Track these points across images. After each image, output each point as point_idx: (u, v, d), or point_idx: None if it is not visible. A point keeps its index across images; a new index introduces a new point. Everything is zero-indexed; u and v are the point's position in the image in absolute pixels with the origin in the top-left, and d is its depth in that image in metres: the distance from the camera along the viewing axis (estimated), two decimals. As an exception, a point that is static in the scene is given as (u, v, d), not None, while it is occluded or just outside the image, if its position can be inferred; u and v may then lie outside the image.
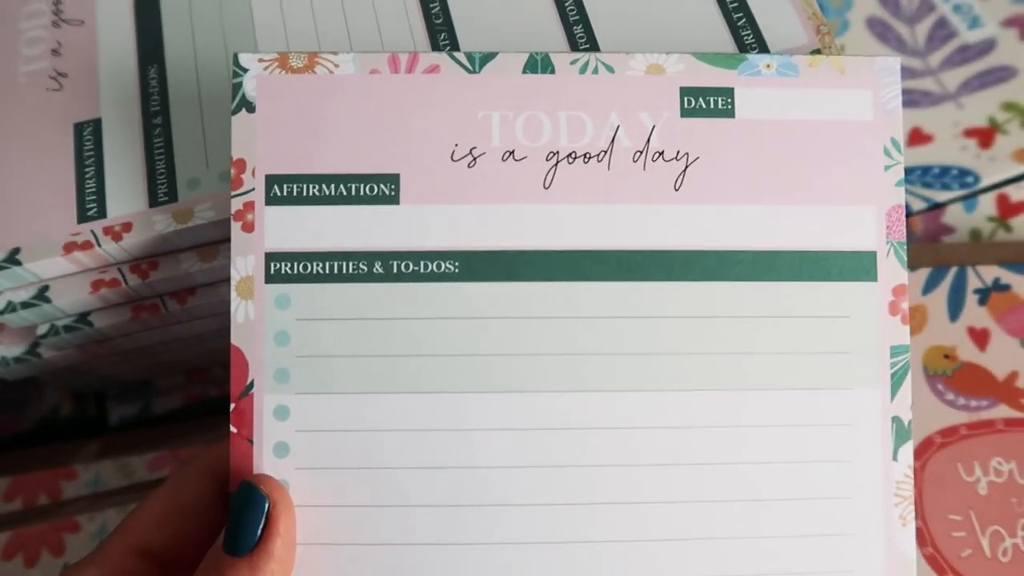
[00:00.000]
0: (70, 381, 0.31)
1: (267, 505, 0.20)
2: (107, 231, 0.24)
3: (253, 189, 0.22)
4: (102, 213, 0.25)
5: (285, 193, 0.22)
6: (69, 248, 0.24)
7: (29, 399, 0.32)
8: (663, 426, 0.22)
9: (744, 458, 0.22)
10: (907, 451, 0.22)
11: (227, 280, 0.26)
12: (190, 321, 0.28)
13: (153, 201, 0.24)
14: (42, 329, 0.27)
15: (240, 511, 0.20)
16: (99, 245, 0.24)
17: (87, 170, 0.25)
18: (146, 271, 0.26)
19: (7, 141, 0.25)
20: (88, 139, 0.25)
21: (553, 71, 0.22)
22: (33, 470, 0.27)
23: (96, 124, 0.25)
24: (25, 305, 0.26)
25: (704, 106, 0.23)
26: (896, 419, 0.22)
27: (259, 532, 0.20)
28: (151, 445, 0.29)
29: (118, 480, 0.27)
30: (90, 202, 0.25)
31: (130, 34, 0.26)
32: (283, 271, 0.22)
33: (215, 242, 0.25)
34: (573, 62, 0.22)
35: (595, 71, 0.22)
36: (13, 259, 0.24)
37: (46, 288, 0.26)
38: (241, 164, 0.22)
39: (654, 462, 0.22)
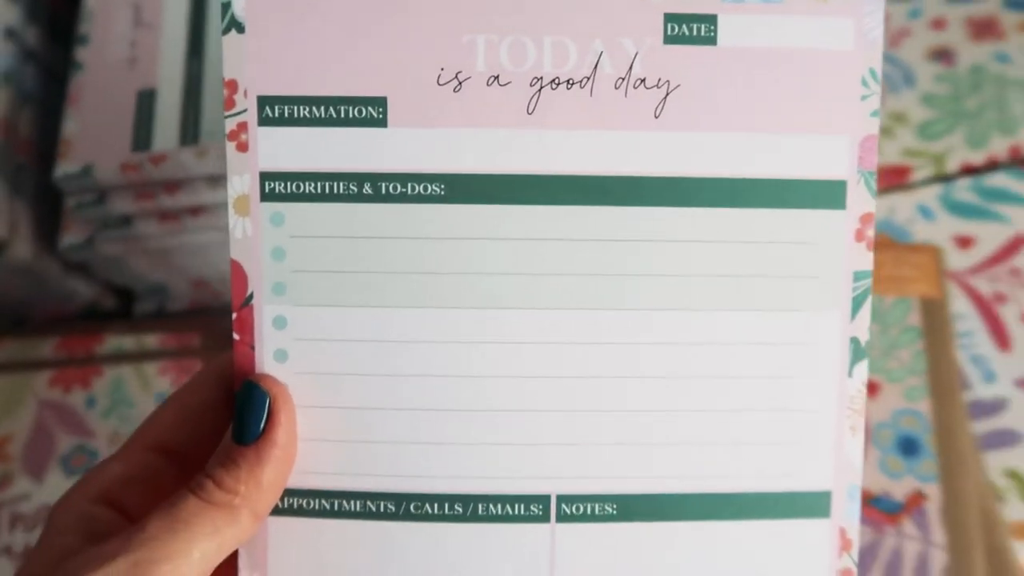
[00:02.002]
0: (111, 273, 0.40)
1: (268, 400, 0.22)
2: (150, 159, 0.35)
3: (246, 110, 0.23)
4: (147, 146, 0.35)
5: (277, 114, 0.23)
6: (124, 168, 0.35)
7: (77, 291, 0.41)
8: (634, 342, 0.23)
9: (711, 372, 0.24)
10: (862, 369, 0.24)
11: (219, 205, 0.37)
12: (198, 232, 0.37)
13: (183, 142, 0.35)
14: (98, 224, 0.37)
15: (244, 405, 0.22)
16: (143, 168, 0.35)
17: (142, 119, 0.36)
18: (173, 190, 0.36)
19: (98, 99, 0.37)
20: (145, 101, 0.36)
21: (539, -6, 0.23)
22: (75, 335, 0.39)
23: (152, 92, 0.37)
24: (90, 205, 0.36)
25: (687, 33, 0.23)
26: (854, 339, 0.24)
27: (262, 423, 0.22)
28: (160, 329, 0.40)
29: (133, 348, 0.39)
30: (142, 139, 0.36)
31: (184, 33, 0.37)
32: (277, 190, 0.23)
33: (221, 176, 0.35)
34: (559, -15, 0.23)
35: (581, -5, 0.23)
36: (87, 172, 0.35)
37: (105, 195, 0.36)
38: (233, 85, 0.23)
39: (628, 374, 0.23)
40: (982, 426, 0.35)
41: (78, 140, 0.36)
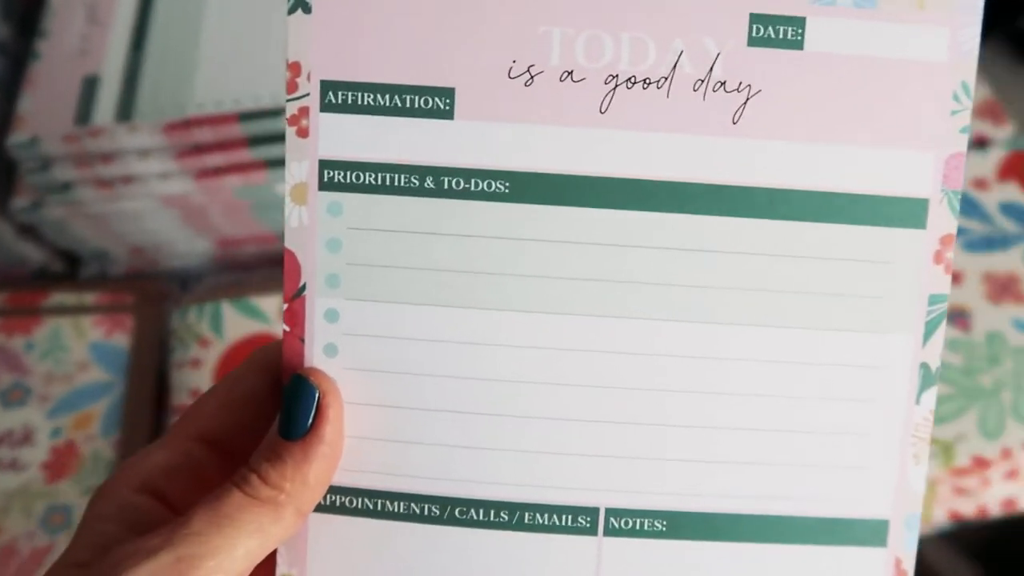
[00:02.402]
0: (57, 237, 0.46)
1: (317, 395, 0.21)
2: (89, 132, 0.41)
3: (308, 94, 0.22)
4: (87, 122, 0.41)
5: (340, 100, 0.22)
6: (66, 139, 0.41)
7: (29, 255, 0.47)
8: (699, 356, 0.22)
9: (775, 391, 0.23)
10: (930, 396, 0.23)
11: (155, 174, 0.42)
12: (131, 199, 0.44)
13: (118, 120, 0.41)
14: (43, 189, 0.43)
15: (293, 400, 0.21)
16: (82, 140, 0.41)
17: (85, 100, 0.42)
18: (108, 160, 0.42)
19: (50, 83, 0.43)
20: (89, 86, 0.43)
21: (620, -13, 0.22)
22: (23, 291, 0.45)
23: (96, 78, 0.43)
24: (36, 171, 0.42)
25: (773, 35, 0.22)
26: (924, 365, 0.23)
27: (311, 419, 0.21)
28: (99, 289, 0.45)
29: (73, 303, 0.44)
30: (82, 116, 0.41)
31: (129, 30, 0.44)
32: (336, 179, 0.22)
33: (150, 149, 0.41)
34: (641, -21, 0.22)
35: (663, -10, 0.22)
36: (34, 142, 0.41)
37: (49, 163, 0.41)
38: (296, 68, 0.22)
39: (687, 389, 0.23)
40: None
41: (29, 116, 0.42)
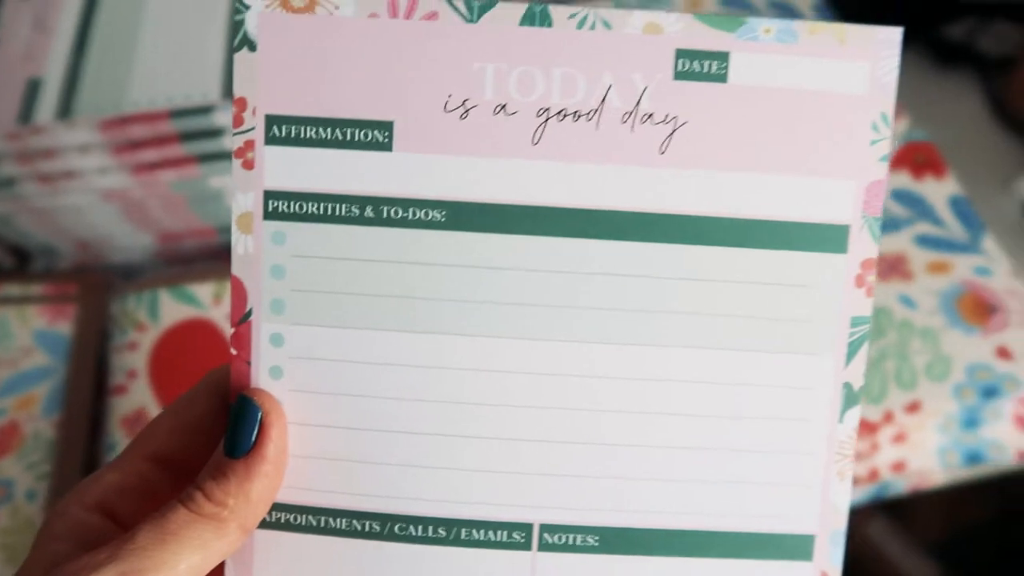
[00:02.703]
0: (5, 231, 0.48)
1: (260, 414, 0.22)
2: (31, 130, 0.43)
3: (253, 128, 0.23)
4: (28, 120, 0.43)
5: (284, 134, 0.23)
6: (9, 137, 0.43)
7: None
8: (624, 377, 0.23)
9: (701, 410, 0.24)
10: (854, 415, 0.24)
11: (94, 169, 0.44)
12: (73, 194, 0.46)
13: (58, 117, 0.43)
14: None
15: (237, 419, 0.22)
16: (24, 137, 0.43)
17: (28, 100, 0.44)
18: (49, 156, 0.44)
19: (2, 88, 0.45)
20: (32, 87, 0.45)
21: (551, 24, 0.23)
22: None
23: (38, 80, 0.45)
24: None
25: (698, 69, 0.23)
26: (847, 385, 0.24)
27: (254, 437, 0.22)
28: (45, 280, 0.47)
29: (18, 294, 0.47)
30: (24, 115, 0.43)
31: (71, 36, 0.46)
32: (280, 209, 0.23)
33: (88, 145, 0.43)
34: (571, 16, 0.23)
35: (592, 27, 0.23)
36: None
37: None
38: (242, 103, 0.23)
39: (619, 409, 0.24)
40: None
41: None
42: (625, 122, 0.23)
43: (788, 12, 0.56)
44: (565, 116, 0.23)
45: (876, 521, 0.55)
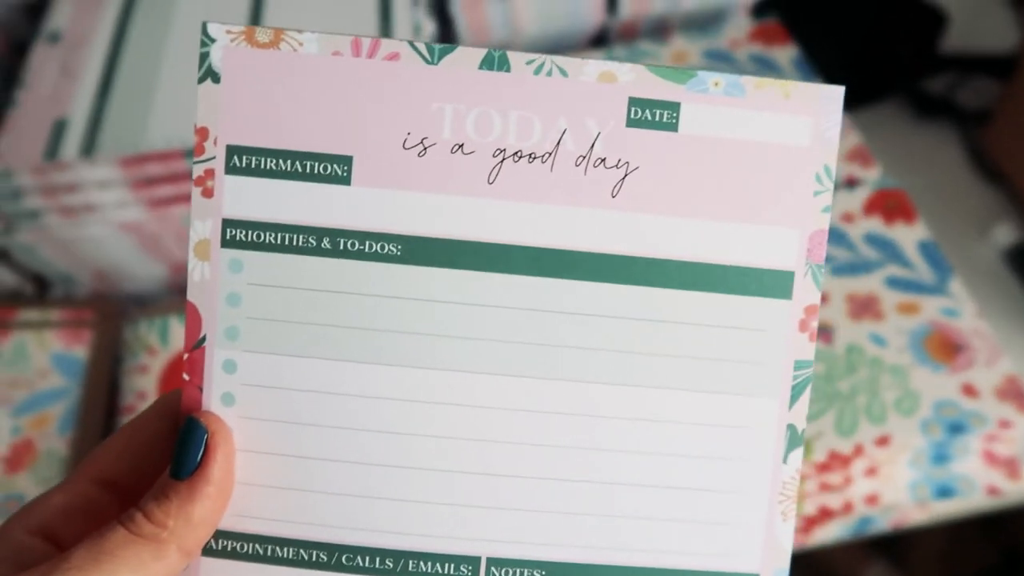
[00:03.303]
0: (28, 260, 0.51)
1: (206, 436, 0.22)
2: (55, 166, 0.47)
3: (214, 158, 0.23)
4: (54, 157, 0.47)
5: (244, 164, 0.23)
6: (35, 172, 0.47)
7: (3, 280, 0.53)
8: (572, 412, 0.24)
9: (647, 447, 0.24)
10: (796, 456, 0.24)
11: (113, 203, 0.48)
12: (93, 226, 0.50)
13: (82, 154, 0.47)
14: (15, 216, 0.48)
15: (183, 440, 0.23)
16: (49, 173, 0.47)
17: (54, 139, 0.48)
18: (72, 190, 0.48)
19: (24, 125, 0.49)
20: (58, 127, 0.49)
21: (509, 69, 0.23)
22: None
23: (64, 121, 0.49)
24: (8, 199, 0.48)
25: (649, 118, 0.24)
26: (791, 426, 0.24)
27: (199, 459, 0.22)
28: (63, 306, 0.52)
29: (38, 319, 0.50)
30: (50, 152, 0.47)
31: (96, 81, 0.51)
32: (238, 238, 0.23)
33: (108, 181, 0.48)
34: (529, 62, 0.23)
35: (549, 73, 0.23)
36: (6, 174, 0.47)
37: (20, 192, 0.48)
38: (204, 132, 0.23)
39: (566, 444, 0.24)
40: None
41: (5, 152, 0.48)
42: (579, 165, 0.24)
43: (769, 67, 0.58)
44: (521, 157, 0.23)
45: (875, 565, 0.55)
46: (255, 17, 0.54)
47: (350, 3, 0.54)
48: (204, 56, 0.23)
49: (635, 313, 0.24)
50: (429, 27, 0.56)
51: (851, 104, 0.55)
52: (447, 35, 0.60)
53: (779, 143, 0.24)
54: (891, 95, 0.67)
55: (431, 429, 0.24)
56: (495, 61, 0.23)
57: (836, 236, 0.50)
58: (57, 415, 0.47)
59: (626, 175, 0.24)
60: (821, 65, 0.58)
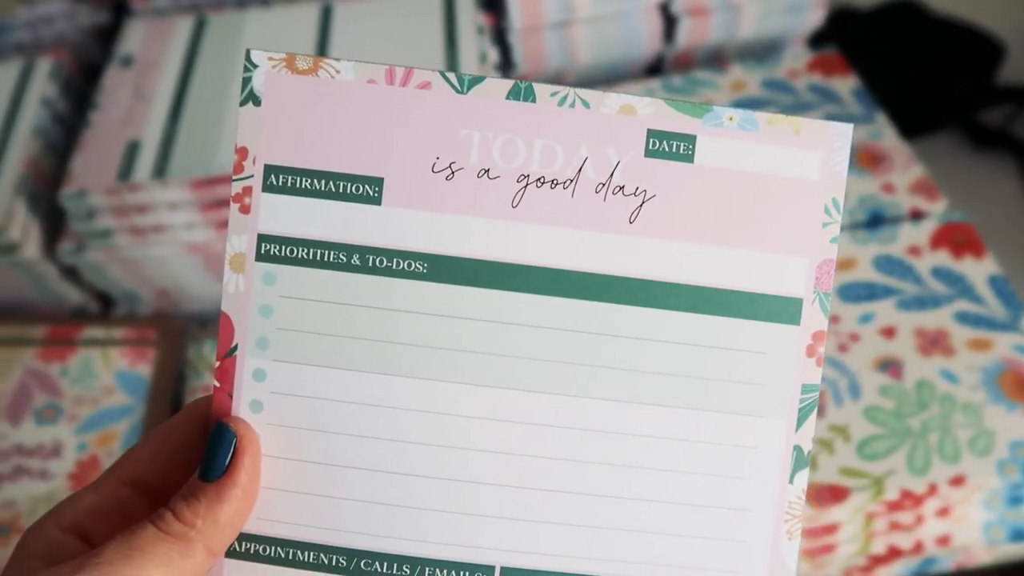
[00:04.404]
0: (95, 278, 0.53)
1: (235, 440, 0.23)
2: (128, 187, 0.49)
3: (252, 176, 0.24)
4: (127, 179, 0.49)
5: (280, 183, 0.24)
6: (108, 193, 0.49)
7: (68, 296, 0.54)
8: (587, 428, 0.25)
9: (658, 464, 0.25)
10: (803, 477, 0.25)
11: (182, 224, 0.50)
12: (161, 246, 0.52)
13: (154, 176, 0.49)
14: (87, 235, 0.50)
15: (212, 443, 0.23)
16: (121, 194, 0.49)
17: (127, 161, 0.50)
18: (143, 211, 0.50)
19: (98, 147, 0.51)
20: (131, 149, 0.51)
21: (534, 100, 0.25)
22: (62, 324, 0.52)
23: (137, 143, 0.51)
24: (83, 219, 0.50)
25: (667, 149, 0.25)
26: (797, 448, 0.25)
27: (227, 462, 0.23)
28: (127, 325, 0.53)
29: (103, 337, 0.52)
30: (123, 173, 0.49)
31: (168, 104, 0.53)
32: (272, 252, 0.25)
33: (179, 203, 0.50)
34: (553, 94, 0.25)
35: (572, 105, 0.25)
36: (82, 194, 0.49)
37: (94, 212, 0.49)
38: (244, 152, 0.24)
39: (581, 459, 0.25)
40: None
41: (80, 173, 0.50)
42: (598, 192, 0.25)
43: (829, 97, 0.59)
44: (543, 183, 0.25)
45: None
46: (321, 46, 0.55)
47: (418, 34, 0.55)
48: (247, 80, 0.24)
49: (649, 334, 0.25)
50: (494, 55, 0.57)
51: (908, 135, 0.56)
52: (506, 63, 0.61)
53: (790, 176, 0.25)
54: (947, 127, 0.67)
55: (451, 440, 0.25)
56: (521, 92, 0.25)
57: (902, 269, 0.50)
58: (122, 432, 0.47)
59: (643, 202, 0.25)
60: (877, 96, 0.59)
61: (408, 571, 0.24)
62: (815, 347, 0.25)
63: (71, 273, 0.53)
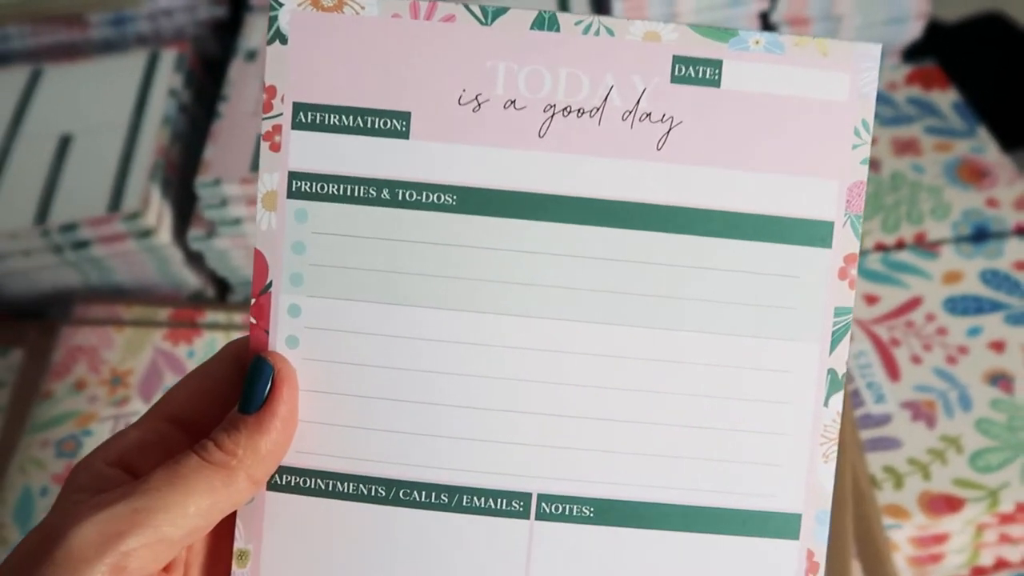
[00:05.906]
0: (217, 264, 0.53)
1: (272, 373, 0.24)
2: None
3: (281, 114, 0.25)
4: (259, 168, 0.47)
5: (309, 120, 0.25)
6: (242, 182, 0.49)
7: (188, 281, 0.55)
8: (620, 355, 0.25)
9: (692, 390, 0.25)
10: (837, 399, 0.25)
11: None
12: None
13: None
14: (218, 222, 0.51)
15: (251, 377, 0.24)
16: (253, 185, 0.48)
17: (259, 150, 0.45)
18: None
19: (229, 137, 0.52)
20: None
21: (558, 29, 0.25)
22: (185, 308, 0.53)
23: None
24: (215, 207, 0.50)
25: (693, 75, 0.25)
26: (832, 371, 0.25)
27: (265, 394, 0.24)
28: (244, 310, 0.53)
29: (224, 321, 0.52)
30: (257, 164, 0.40)
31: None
32: (303, 189, 0.25)
33: None
34: (577, 23, 0.25)
35: (597, 33, 0.25)
36: (217, 182, 0.49)
37: (226, 201, 0.50)
38: (272, 90, 0.25)
39: (616, 386, 0.25)
40: (869, 433, 0.45)
41: (213, 162, 0.51)
42: (625, 120, 0.25)
43: (929, 110, 0.59)
44: (570, 112, 0.25)
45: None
46: None
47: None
48: (273, 19, 0.25)
49: (680, 260, 0.25)
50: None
51: (1007, 149, 0.57)
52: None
53: (818, 98, 0.25)
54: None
55: (486, 370, 0.25)
56: (545, 21, 0.25)
57: (1010, 284, 0.50)
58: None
59: (671, 129, 0.25)
60: (981, 110, 0.59)
61: (446, 499, 0.25)
62: (847, 269, 0.25)
63: (195, 259, 0.54)
